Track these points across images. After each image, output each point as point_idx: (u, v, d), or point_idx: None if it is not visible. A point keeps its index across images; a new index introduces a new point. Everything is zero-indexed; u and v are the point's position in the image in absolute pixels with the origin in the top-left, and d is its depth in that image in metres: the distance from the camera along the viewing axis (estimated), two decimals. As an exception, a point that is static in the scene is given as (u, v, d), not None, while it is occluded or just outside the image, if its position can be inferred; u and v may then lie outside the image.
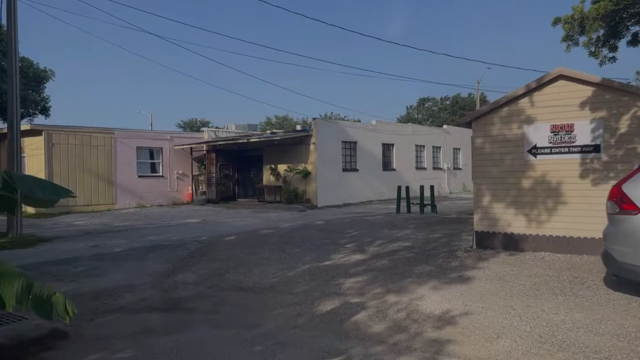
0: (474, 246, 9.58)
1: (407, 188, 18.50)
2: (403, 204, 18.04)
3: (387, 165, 26.02)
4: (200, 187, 25.47)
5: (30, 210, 20.27)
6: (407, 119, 59.27)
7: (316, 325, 5.33)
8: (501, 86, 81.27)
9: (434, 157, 30.20)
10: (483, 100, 49.75)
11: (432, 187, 18.06)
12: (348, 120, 43.44)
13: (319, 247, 10.39)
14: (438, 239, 11.06)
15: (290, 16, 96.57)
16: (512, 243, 9.11)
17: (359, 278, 7.51)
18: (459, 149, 32.91)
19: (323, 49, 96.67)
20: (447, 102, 61.18)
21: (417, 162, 28.59)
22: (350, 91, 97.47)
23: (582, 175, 8.40)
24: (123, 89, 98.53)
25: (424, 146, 29.19)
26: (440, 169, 30.62)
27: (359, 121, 37.88)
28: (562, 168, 8.60)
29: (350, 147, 23.65)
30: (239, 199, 25.48)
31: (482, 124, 9.41)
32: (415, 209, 17.77)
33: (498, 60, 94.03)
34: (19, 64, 28.88)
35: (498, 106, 9.21)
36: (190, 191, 25.28)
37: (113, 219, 17.73)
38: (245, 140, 23.38)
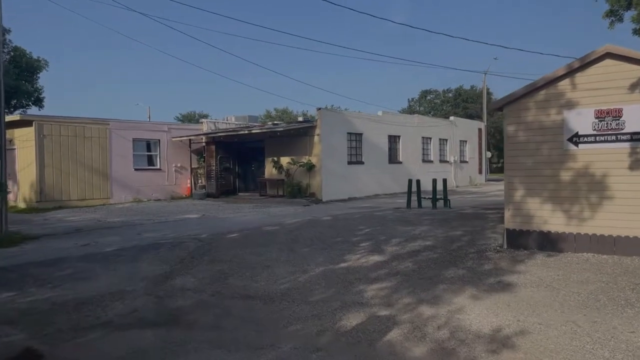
0: (505, 245, 8.64)
1: (418, 182, 17.56)
2: (413, 198, 17.10)
3: (393, 158, 25.03)
4: (200, 181, 24.46)
5: (21, 205, 19.32)
6: (409, 111, 58.10)
7: (342, 348, 4.40)
8: (519, 73, 79.17)
9: (440, 149, 29.20)
10: (488, 93, 48.64)
11: (444, 181, 17.11)
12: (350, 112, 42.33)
13: (331, 246, 9.45)
14: (460, 237, 10.11)
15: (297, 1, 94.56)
16: (549, 243, 8.16)
17: (382, 284, 6.58)
18: (466, 141, 31.92)
19: (326, 38, 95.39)
20: (450, 95, 59.99)
21: (423, 154, 27.59)
22: (352, 83, 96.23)
23: (632, 167, 7.44)
24: (121, 81, 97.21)
25: (430, 138, 28.19)
26: (447, 162, 29.62)
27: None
28: (608, 158, 7.63)
29: (355, 139, 22.64)
30: (239, 193, 24.48)
31: (516, 110, 8.42)
32: (426, 203, 16.81)
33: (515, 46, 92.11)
34: (12, 53, 27.49)
35: (534, 89, 8.21)
36: (189, 185, 24.27)
37: (107, 215, 16.76)
38: (246, 132, 22.33)
